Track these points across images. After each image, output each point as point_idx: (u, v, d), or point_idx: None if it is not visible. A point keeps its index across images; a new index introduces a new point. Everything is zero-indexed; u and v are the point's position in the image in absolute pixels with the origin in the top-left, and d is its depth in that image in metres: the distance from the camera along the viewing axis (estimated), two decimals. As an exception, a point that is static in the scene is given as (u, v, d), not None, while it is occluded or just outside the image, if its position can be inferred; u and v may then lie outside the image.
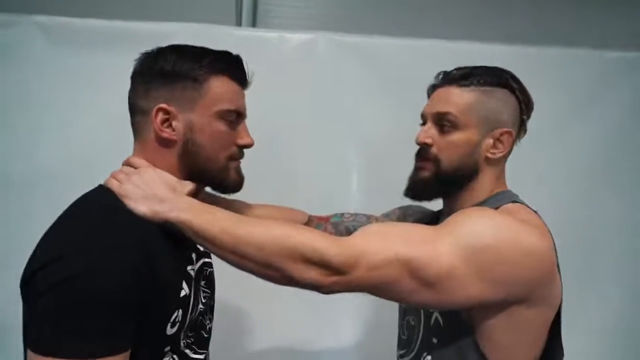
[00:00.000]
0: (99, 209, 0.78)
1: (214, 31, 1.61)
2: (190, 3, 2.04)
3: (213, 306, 0.98)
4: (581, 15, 1.98)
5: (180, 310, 0.81)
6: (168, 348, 0.80)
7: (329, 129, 1.64)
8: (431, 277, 0.74)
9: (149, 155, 0.86)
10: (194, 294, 0.86)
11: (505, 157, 0.94)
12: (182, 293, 0.81)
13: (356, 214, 1.14)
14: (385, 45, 1.65)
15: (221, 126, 0.85)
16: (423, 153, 0.94)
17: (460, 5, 1.98)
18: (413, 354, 0.96)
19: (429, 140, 0.92)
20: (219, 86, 0.85)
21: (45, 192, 1.48)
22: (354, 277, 0.75)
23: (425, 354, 0.92)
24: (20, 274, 0.74)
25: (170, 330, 0.79)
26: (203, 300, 0.92)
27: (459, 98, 0.90)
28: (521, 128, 0.95)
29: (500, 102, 0.91)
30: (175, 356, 0.83)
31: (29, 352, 0.67)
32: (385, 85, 1.60)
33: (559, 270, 0.85)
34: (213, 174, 0.87)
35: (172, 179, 0.83)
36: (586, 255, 1.68)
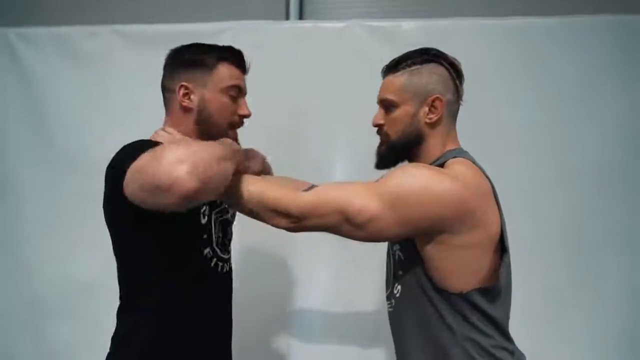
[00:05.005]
0: (140, 140, 1.07)
1: (254, 26, 1.84)
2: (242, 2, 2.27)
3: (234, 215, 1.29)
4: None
5: (207, 207, 1.15)
6: (205, 236, 1.14)
7: (365, 109, 1.79)
8: (359, 223, 1.00)
9: (175, 120, 1.16)
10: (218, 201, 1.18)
11: (446, 119, 1.12)
12: None
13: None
14: (416, 27, 1.76)
15: (225, 100, 1.15)
16: (378, 132, 1.18)
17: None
18: (391, 285, 1.17)
19: (380, 121, 1.16)
20: (224, 70, 1.15)
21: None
22: (309, 223, 1.03)
23: (396, 284, 1.14)
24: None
25: (202, 220, 1.13)
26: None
27: (392, 84, 1.13)
28: (458, 91, 1.13)
29: (428, 75, 1.10)
30: (210, 250, 1.15)
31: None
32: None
33: (497, 203, 1.04)
34: (216, 136, 1.12)
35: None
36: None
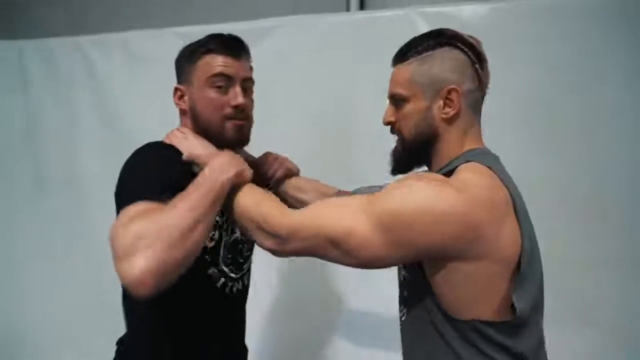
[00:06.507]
0: (152, 143, 1.08)
1: (306, 21, 1.82)
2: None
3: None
4: None
5: (217, 232, 1.07)
6: (209, 259, 1.06)
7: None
8: (348, 248, 0.86)
9: (183, 123, 1.14)
10: (227, 223, 1.10)
11: (466, 113, 0.95)
12: (216, 219, 1.03)
13: (371, 187, 1.22)
14: (475, 11, 1.65)
15: (212, 92, 1.06)
16: (391, 131, 1.02)
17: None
18: (400, 307, 1.02)
19: (391, 119, 1.00)
20: (206, 61, 1.06)
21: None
22: (294, 246, 0.91)
23: (403, 307, 0.99)
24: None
25: (209, 244, 1.05)
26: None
27: (400, 75, 0.96)
28: (480, 78, 0.95)
29: (441, 62, 0.93)
30: (215, 270, 1.08)
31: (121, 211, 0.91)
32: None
33: (519, 222, 0.86)
34: (212, 132, 1.08)
35: (208, 144, 1.06)
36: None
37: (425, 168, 1.02)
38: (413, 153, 0.99)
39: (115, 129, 2.00)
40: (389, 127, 1.03)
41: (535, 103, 1.59)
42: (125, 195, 0.95)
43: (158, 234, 0.82)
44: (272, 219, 0.93)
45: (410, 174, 0.99)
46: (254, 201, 0.98)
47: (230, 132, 1.08)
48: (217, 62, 1.06)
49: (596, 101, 1.56)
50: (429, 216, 0.81)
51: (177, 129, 1.12)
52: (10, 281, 2.14)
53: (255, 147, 1.24)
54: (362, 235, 0.84)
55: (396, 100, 0.98)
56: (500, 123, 1.52)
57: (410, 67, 0.95)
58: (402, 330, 1.01)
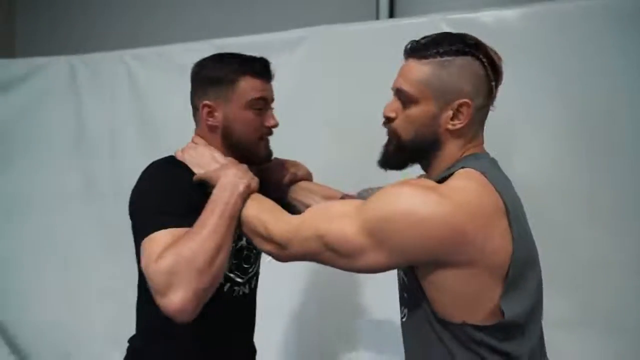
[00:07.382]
0: (163, 162, 1.13)
1: (332, 30, 1.86)
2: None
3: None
4: None
5: None
6: None
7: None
8: (341, 250, 0.88)
9: (204, 137, 1.16)
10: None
11: (472, 126, 0.93)
12: None
13: (376, 188, 1.19)
14: (507, 17, 1.65)
15: (250, 114, 1.12)
16: (386, 126, 0.98)
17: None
18: (401, 308, 1.02)
19: (392, 114, 0.95)
20: (245, 84, 1.10)
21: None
22: (293, 250, 0.94)
23: (403, 308, 0.99)
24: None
25: None
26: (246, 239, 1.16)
27: (415, 72, 0.91)
28: (490, 94, 0.92)
29: (460, 71, 0.89)
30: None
31: (141, 243, 0.97)
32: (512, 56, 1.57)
33: (511, 229, 0.84)
34: (246, 150, 1.14)
35: (218, 155, 1.11)
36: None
37: (418, 165, 1.01)
38: (409, 154, 0.97)
39: (153, 137, 2.09)
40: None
41: (539, 105, 1.60)
42: (146, 222, 1.00)
43: (187, 267, 0.91)
44: (271, 225, 0.97)
45: (403, 172, 1.01)
46: (255, 210, 1.02)
47: (263, 150, 1.16)
48: (258, 86, 1.12)
49: (602, 97, 1.55)
50: (412, 221, 0.82)
51: (190, 143, 1.17)
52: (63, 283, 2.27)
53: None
54: (351, 239, 0.86)
55: (400, 96, 0.94)
56: (503, 124, 1.52)
57: (427, 68, 0.90)
58: (402, 330, 1.02)
